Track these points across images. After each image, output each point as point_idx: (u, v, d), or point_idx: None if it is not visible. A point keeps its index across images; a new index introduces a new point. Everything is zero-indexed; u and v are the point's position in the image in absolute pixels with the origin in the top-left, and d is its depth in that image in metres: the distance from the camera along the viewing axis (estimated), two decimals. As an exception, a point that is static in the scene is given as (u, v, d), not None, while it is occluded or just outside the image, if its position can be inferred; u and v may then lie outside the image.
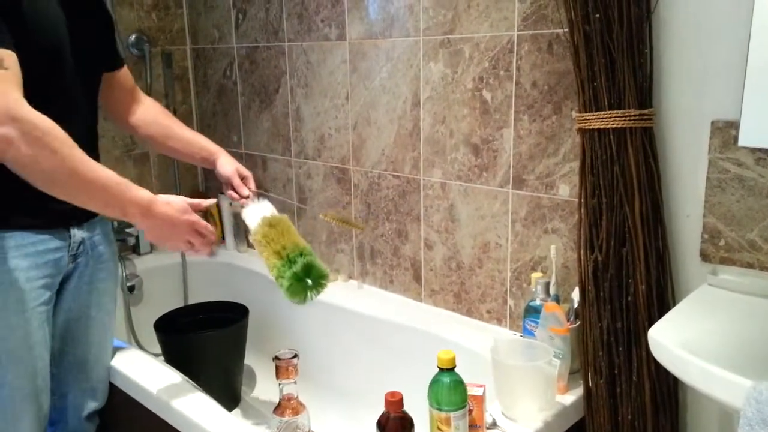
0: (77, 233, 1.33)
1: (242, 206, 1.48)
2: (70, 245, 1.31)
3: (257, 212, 1.43)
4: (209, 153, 1.53)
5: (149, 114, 1.52)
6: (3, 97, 1.03)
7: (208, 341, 1.86)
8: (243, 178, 1.50)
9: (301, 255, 1.33)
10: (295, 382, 1.44)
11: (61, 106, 1.19)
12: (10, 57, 1.07)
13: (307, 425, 1.49)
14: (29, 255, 1.23)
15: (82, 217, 1.34)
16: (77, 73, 1.27)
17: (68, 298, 1.37)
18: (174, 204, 1.21)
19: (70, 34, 1.23)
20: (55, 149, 1.06)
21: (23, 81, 1.08)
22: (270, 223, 1.38)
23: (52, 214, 1.26)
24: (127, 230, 2.24)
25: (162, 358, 1.88)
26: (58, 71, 1.23)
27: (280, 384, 1.45)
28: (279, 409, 1.46)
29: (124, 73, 1.48)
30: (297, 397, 1.46)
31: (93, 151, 1.37)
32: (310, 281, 1.33)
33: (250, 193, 1.49)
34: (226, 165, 1.51)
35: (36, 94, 1.09)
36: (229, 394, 1.92)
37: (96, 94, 1.37)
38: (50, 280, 1.28)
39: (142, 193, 1.16)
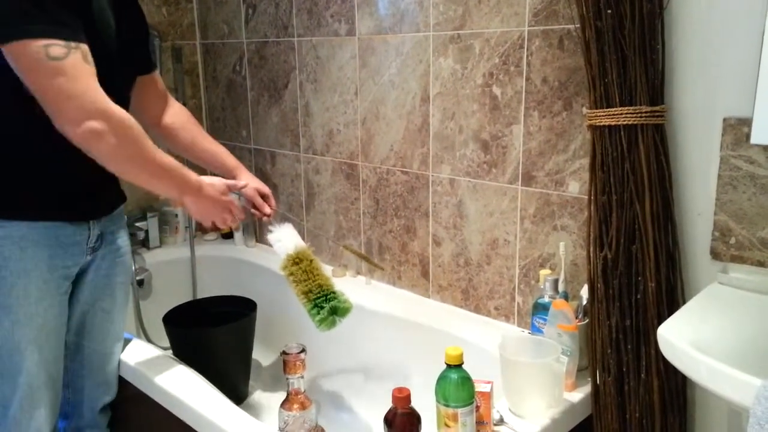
0: (96, 226, 1.35)
1: (267, 225, 1.61)
2: (89, 237, 1.33)
3: (282, 242, 1.55)
4: (228, 170, 1.63)
5: (178, 119, 1.58)
6: (93, 92, 1.11)
7: (216, 335, 1.87)
8: (264, 196, 1.59)
9: (326, 299, 1.48)
10: (302, 377, 1.45)
11: None
12: (88, 53, 1.13)
13: (315, 420, 1.49)
14: (51, 245, 1.25)
15: (103, 211, 1.37)
16: (118, 74, 1.32)
17: (85, 290, 1.38)
18: (216, 186, 1.37)
19: (117, 35, 1.28)
20: (137, 141, 1.17)
21: None
22: (294, 261, 1.51)
23: (74, 207, 1.29)
24: (137, 224, 2.25)
25: (171, 351, 1.89)
26: (107, 71, 1.28)
27: (287, 378, 1.45)
28: (287, 403, 1.46)
29: (157, 77, 1.54)
30: (304, 391, 1.47)
31: None
32: (337, 317, 1.49)
33: (272, 211, 1.60)
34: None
35: None
36: (237, 389, 1.93)
37: (129, 95, 1.42)
38: (69, 271, 1.30)
39: (194, 177, 1.31)
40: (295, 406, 1.44)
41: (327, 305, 1.47)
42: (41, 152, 1.20)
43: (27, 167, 1.22)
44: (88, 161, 1.20)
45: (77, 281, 1.36)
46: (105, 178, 1.39)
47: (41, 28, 1.06)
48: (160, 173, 1.24)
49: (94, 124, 1.10)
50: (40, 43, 1.05)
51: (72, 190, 1.27)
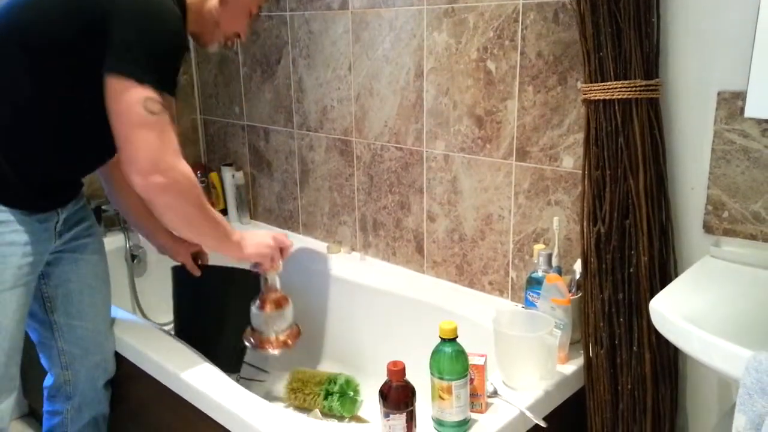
0: (62, 213, 1.37)
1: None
2: (57, 223, 1.35)
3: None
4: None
5: None
6: (167, 146, 1.14)
7: (223, 277, 1.77)
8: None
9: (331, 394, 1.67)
10: (278, 274, 1.40)
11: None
12: (173, 109, 1.18)
13: (291, 319, 1.43)
14: (26, 231, 1.26)
15: (68, 199, 1.39)
16: None
17: (66, 269, 1.41)
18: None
19: None
20: (196, 201, 1.20)
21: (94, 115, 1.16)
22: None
23: (45, 199, 1.31)
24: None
25: (167, 327, 1.88)
26: None
27: (262, 276, 1.39)
28: (260, 302, 1.39)
29: None
30: (280, 288, 1.40)
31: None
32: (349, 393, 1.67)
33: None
34: None
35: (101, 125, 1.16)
36: (231, 360, 1.92)
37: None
38: (39, 257, 1.31)
39: (235, 230, 1.35)
40: (268, 306, 1.37)
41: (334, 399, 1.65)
42: (30, 155, 1.23)
43: (18, 166, 1.23)
44: (64, 169, 1.28)
45: (53, 262, 1.38)
46: (72, 179, 1.41)
47: (153, 78, 1.11)
48: (212, 229, 1.28)
49: (160, 180, 1.13)
50: (142, 93, 1.09)
51: (43, 187, 1.29)
